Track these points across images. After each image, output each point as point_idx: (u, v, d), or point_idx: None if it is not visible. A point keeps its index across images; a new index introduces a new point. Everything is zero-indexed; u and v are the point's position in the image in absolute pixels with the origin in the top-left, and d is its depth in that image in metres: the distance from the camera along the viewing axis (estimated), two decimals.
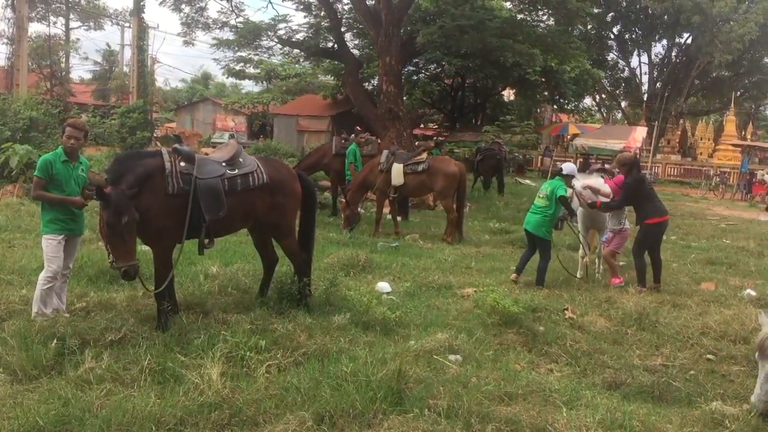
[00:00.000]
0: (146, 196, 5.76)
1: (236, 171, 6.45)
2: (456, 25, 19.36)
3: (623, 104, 53.10)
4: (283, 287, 6.88)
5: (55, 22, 47.99)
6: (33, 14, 41.16)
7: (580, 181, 9.31)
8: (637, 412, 4.73)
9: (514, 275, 9.23)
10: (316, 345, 5.65)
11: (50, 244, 6.03)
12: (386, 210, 13.87)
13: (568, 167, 9.36)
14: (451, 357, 5.73)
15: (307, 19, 26.06)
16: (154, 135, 35.65)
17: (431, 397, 4.70)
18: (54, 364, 5.04)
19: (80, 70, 79.73)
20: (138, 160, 5.99)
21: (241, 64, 29.38)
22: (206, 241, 6.29)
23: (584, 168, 9.58)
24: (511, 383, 5.08)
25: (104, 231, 5.62)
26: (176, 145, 6.70)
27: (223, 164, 6.44)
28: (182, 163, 6.09)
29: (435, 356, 5.66)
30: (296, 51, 27.55)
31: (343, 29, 24.84)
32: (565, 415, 4.51)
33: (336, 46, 24.33)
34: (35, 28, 47.06)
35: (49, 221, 6.04)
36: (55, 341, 5.25)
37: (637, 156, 9.02)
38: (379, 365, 4.98)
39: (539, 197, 9.20)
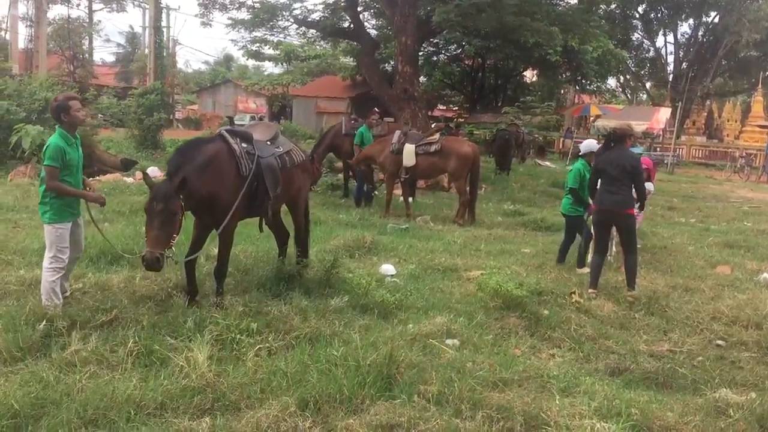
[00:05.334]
0: (216, 179, 5.85)
1: (281, 149, 6.76)
2: (472, 3, 18.97)
3: (648, 85, 52.09)
4: (281, 268, 6.81)
5: (78, 4, 48.41)
6: None
7: None
8: (637, 399, 4.52)
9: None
10: (310, 328, 5.51)
11: (62, 234, 5.73)
12: (397, 192, 13.69)
13: (585, 146, 8.95)
14: (449, 341, 5.57)
15: None
16: (174, 117, 35.78)
17: (422, 383, 4.54)
18: (41, 345, 4.94)
19: (103, 53, 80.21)
20: (201, 147, 6.02)
21: (258, 44, 29.08)
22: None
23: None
24: (507, 369, 4.90)
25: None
26: (229, 126, 6.74)
27: (268, 143, 6.69)
28: (243, 144, 6.26)
29: (431, 340, 5.49)
30: (312, 31, 27.28)
31: (359, 9, 24.52)
32: (558, 402, 4.33)
33: (352, 26, 24.05)
34: (58, 11, 47.25)
35: (60, 209, 5.71)
36: (44, 323, 5.17)
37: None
38: (371, 349, 4.83)
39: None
